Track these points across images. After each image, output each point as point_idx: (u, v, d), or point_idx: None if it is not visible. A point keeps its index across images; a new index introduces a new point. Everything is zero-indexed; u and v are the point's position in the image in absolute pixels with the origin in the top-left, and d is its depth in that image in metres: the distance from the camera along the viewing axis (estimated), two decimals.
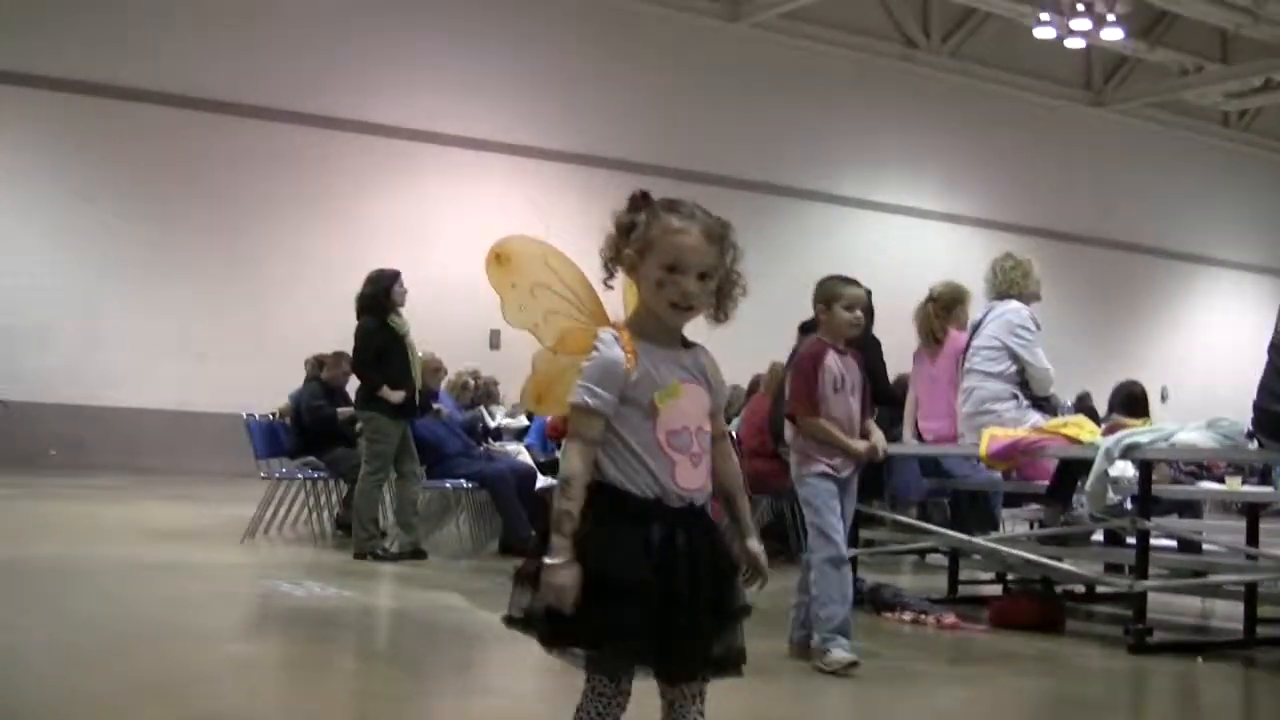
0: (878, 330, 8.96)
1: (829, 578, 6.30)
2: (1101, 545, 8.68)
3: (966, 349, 8.64)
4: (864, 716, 5.62)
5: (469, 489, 11.61)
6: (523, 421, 16.35)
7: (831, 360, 6.41)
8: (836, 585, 6.29)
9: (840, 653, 6.15)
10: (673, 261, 3.05)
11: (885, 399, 9.12)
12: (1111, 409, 10.60)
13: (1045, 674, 6.82)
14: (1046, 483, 8.31)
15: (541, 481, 12.58)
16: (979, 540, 8.26)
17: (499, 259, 3.40)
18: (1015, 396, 8.37)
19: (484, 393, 14.68)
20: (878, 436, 6.57)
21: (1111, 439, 7.45)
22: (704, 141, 21.75)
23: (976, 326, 8.65)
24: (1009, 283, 8.64)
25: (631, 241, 3.11)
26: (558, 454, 13.54)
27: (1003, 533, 9.32)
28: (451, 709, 5.59)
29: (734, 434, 11.84)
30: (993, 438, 7.92)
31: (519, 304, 3.37)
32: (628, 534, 3.00)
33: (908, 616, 8.03)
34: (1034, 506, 8.97)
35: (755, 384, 13.04)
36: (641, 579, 2.97)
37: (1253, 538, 7.91)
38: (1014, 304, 8.57)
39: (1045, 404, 8.52)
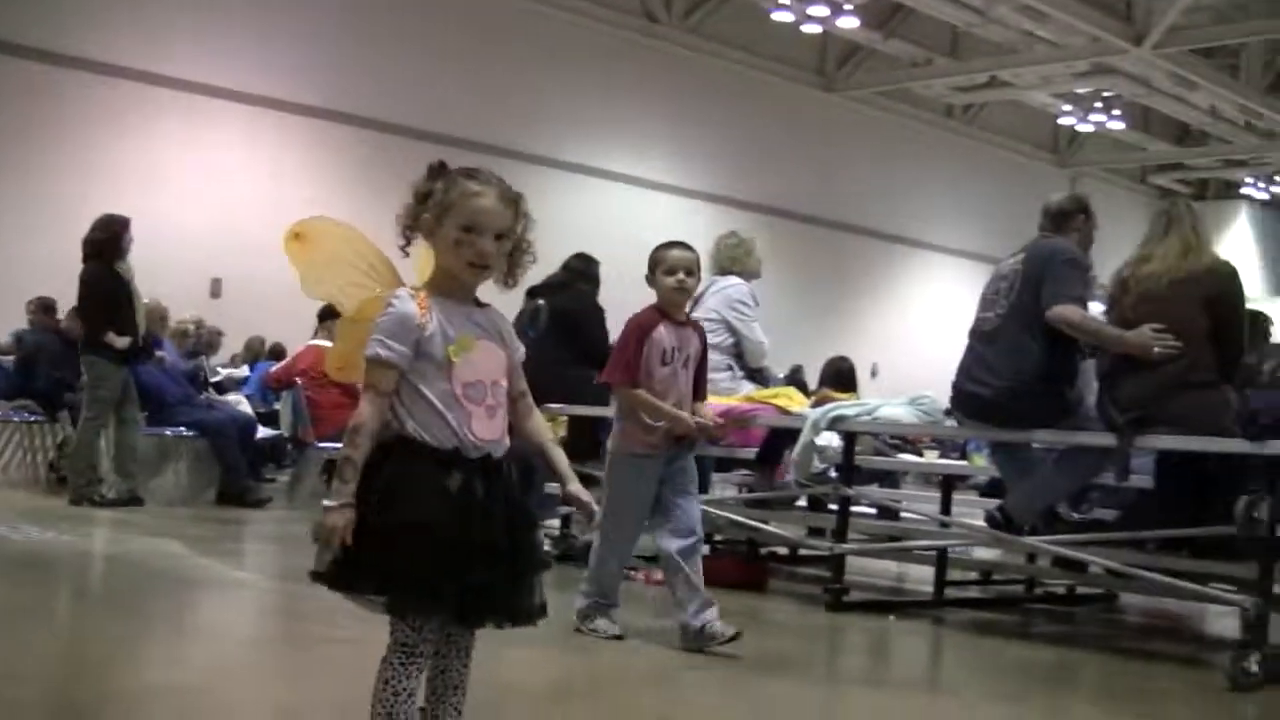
0: (605, 299, 9.26)
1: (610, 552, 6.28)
2: (805, 510, 9.09)
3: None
4: (569, 669, 5.84)
5: (189, 437, 11.56)
6: (244, 371, 16.29)
7: (663, 332, 6.08)
8: (615, 564, 6.30)
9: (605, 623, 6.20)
10: (469, 222, 3.15)
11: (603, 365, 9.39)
12: (821, 383, 11.07)
13: (749, 628, 7.12)
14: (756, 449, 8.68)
15: (262, 432, 12.60)
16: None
17: (298, 237, 3.41)
18: (731, 367, 8.69)
19: (206, 342, 14.57)
20: (707, 413, 6.31)
21: (819, 411, 7.82)
22: (434, 100, 21.64)
23: (697, 300, 8.95)
24: (731, 259, 8.98)
25: (430, 207, 3.19)
26: (277, 405, 13.55)
27: (712, 495, 9.68)
28: (168, 651, 5.63)
29: None
30: (708, 404, 8.25)
31: (317, 278, 3.40)
32: (424, 481, 3.08)
33: None
34: (743, 472, 9.32)
35: None
36: (435, 521, 3.05)
37: (946, 507, 8.40)
38: (735, 280, 8.89)
39: (758, 375, 8.88)
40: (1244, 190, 35.13)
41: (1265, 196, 35.06)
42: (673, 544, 6.08)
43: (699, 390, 6.27)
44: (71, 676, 4.98)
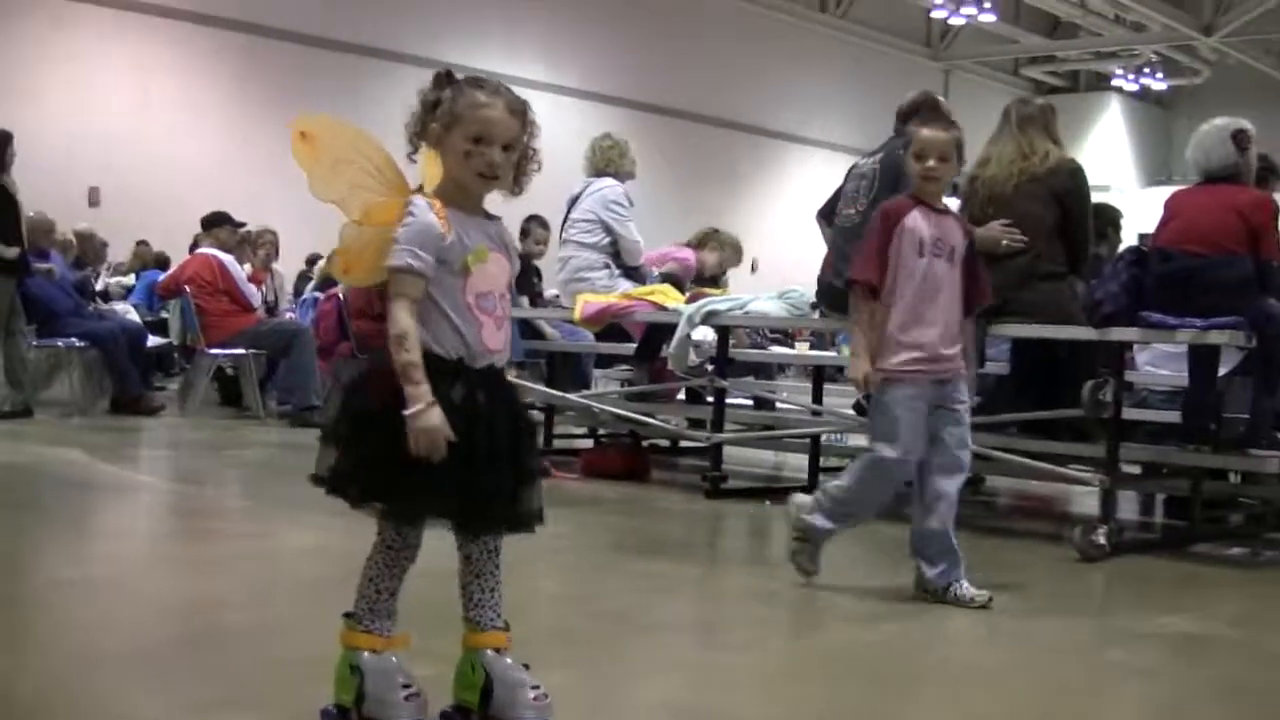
0: None
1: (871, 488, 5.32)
2: (684, 403, 9.45)
3: (564, 221, 9.25)
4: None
5: (80, 348, 11.67)
6: (130, 280, 16.32)
7: (918, 219, 5.20)
8: (874, 500, 5.36)
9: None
10: (479, 133, 3.15)
11: None
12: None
13: (631, 514, 7.49)
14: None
15: (151, 340, 12.72)
16: (573, 397, 8.89)
17: (304, 137, 3.31)
18: (608, 266, 8.99)
19: (94, 253, 14.61)
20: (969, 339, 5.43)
21: (693, 306, 8.12)
22: (317, 2, 21.50)
23: (574, 200, 9.23)
24: (606, 161, 9.25)
25: (438, 116, 3.19)
26: (164, 313, 13.68)
27: (595, 390, 10.04)
28: (78, 548, 5.86)
29: (341, 295, 12.21)
30: (586, 302, 8.56)
31: (324, 179, 3.29)
32: (430, 390, 3.07)
33: None
34: (623, 367, 9.63)
35: None
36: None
37: (818, 396, 8.79)
38: (610, 181, 9.17)
39: (635, 273, 9.18)
40: (1115, 82, 35.67)
41: (1135, 88, 35.63)
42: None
43: (972, 296, 5.36)
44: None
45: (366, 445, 3.11)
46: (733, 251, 10.50)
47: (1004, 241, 6.73)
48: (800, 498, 5.51)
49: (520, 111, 3.25)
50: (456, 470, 3.05)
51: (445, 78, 3.25)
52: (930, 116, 5.38)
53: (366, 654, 3.20)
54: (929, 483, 5.21)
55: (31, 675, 3.70)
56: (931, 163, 5.16)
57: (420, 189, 3.27)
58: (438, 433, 3.01)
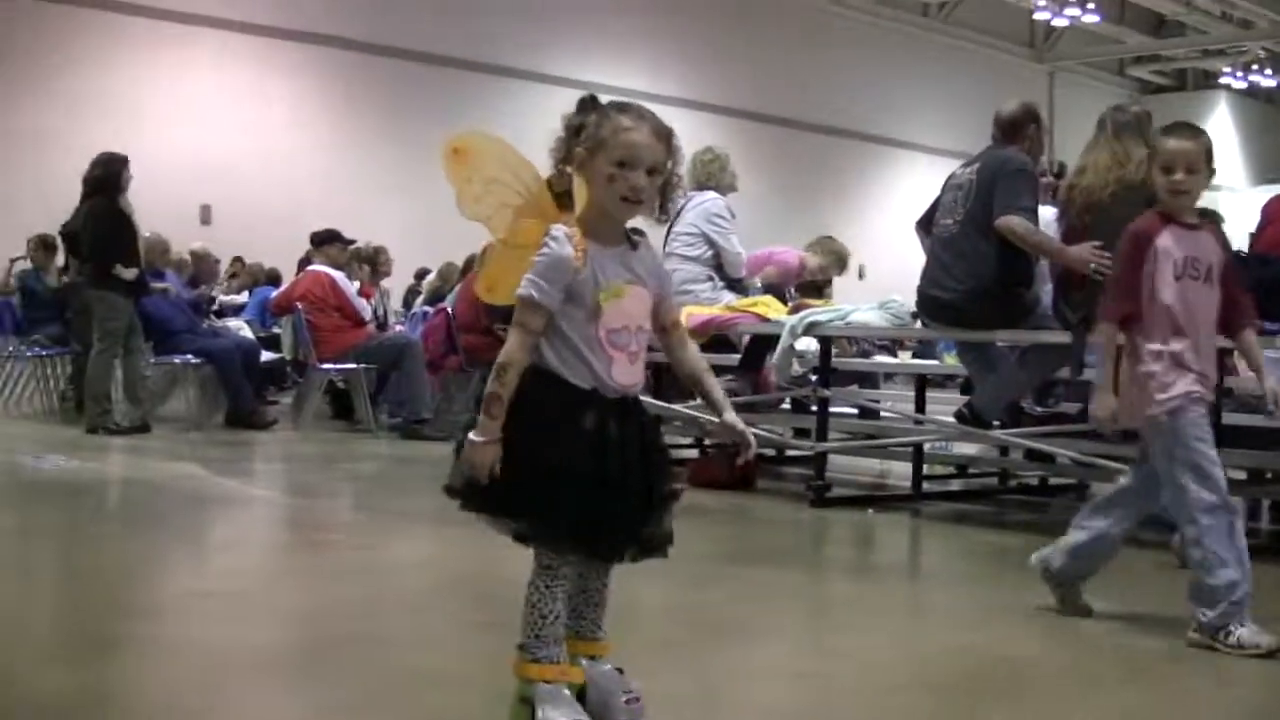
0: None
1: (1215, 533, 4.61)
2: (789, 412, 9.52)
3: (667, 236, 9.36)
4: None
5: (196, 364, 11.95)
6: (243, 298, 16.64)
7: (1169, 239, 4.75)
8: (1226, 542, 4.59)
9: (1247, 633, 4.54)
10: (624, 157, 3.13)
11: None
12: (798, 290, 11.51)
13: (737, 524, 7.59)
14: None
15: (264, 356, 13.00)
16: (679, 408, 8.99)
17: (456, 153, 3.29)
18: (711, 278, 9.11)
19: (208, 271, 14.93)
20: (1255, 354, 4.92)
21: (796, 317, 8.20)
22: (426, 19, 21.76)
23: (677, 214, 9.34)
24: (707, 174, 9.35)
25: (582, 141, 3.16)
26: (276, 329, 13.96)
27: (698, 403, 10.11)
28: (203, 562, 6.12)
29: (449, 309, 12.42)
30: (691, 315, 8.67)
31: (474, 197, 3.27)
32: (563, 418, 3.12)
33: None
34: (729, 378, 9.71)
35: (469, 262, 13.55)
36: (572, 460, 3.09)
37: (920, 405, 8.85)
38: (711, 194, 9.28)
39: (738, 285, 9.29)
40: (1223, 80, 35.28)
41: (1243, 85, 35.21)
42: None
43: (1237, 312, 4.90)
44: (120, 582, 5.45)
45: (500, 463, 3.11)
46: (836, 260, 10.56)
47: (1092, 265, 6.72)
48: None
49: (666, 135, 3.21)
50: (585, 495, 3.09)
51: (590, 102, 3.24)
52: (1175, 127, 4.96)
53: (540, 685, 3.19)
54: None
55: (163, 682, 3.87)
56: (1179, 175, 4.74)
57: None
58: (484, 467, 3.08)
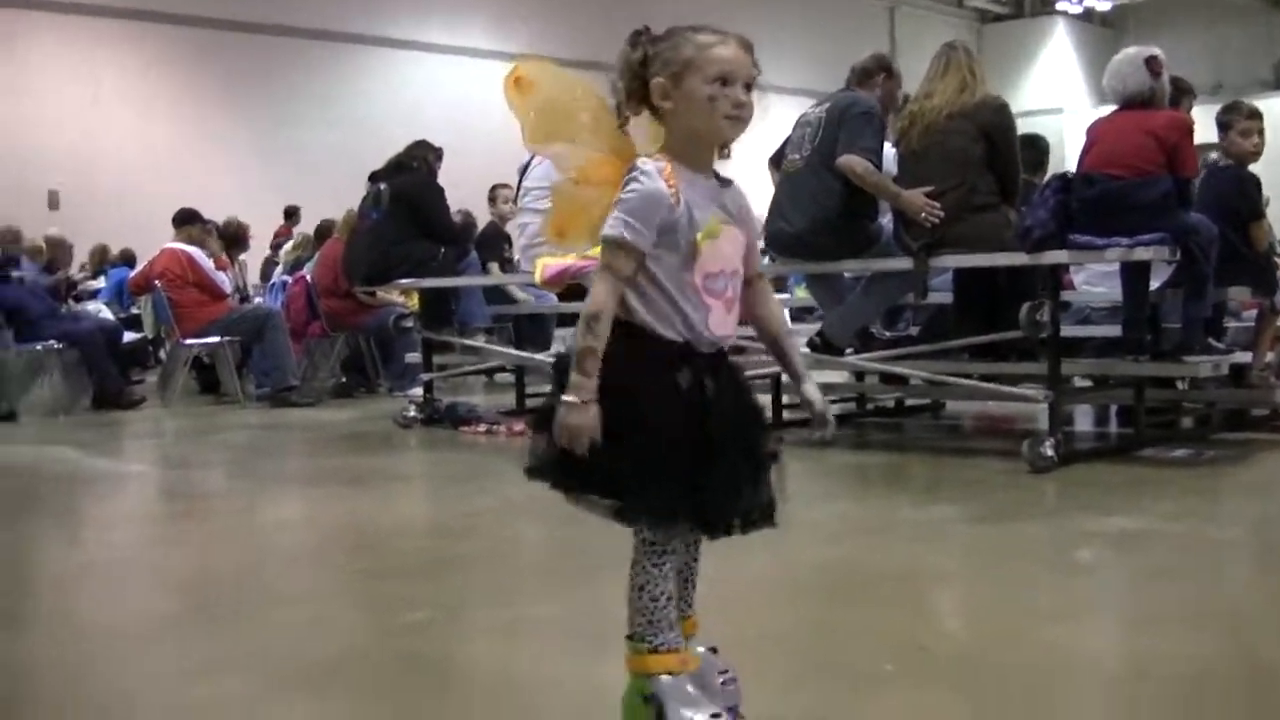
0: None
1: None
2: None
3: (518, 190, 9.53)
4: (442, 501, 6.48)
5: (58, 349, 11.90)
6: (100, 283, 16.52)
7: None
8: None
9: None
10: (722, 73, 2.78)
11: (448, 239, 10.04)
12: None
13: None
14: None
15: (127, 336, 12.97)
16: (540, 356, 9.18)
17: (518, 83, 2.99)
18: None
19: (63, 257, 14.82)
20: None
21: None
22: None
23: (525, 168, 9.48)
24: None
25: (658, 69, 2.81)
26: (135, 310, 13.93)
27: (557, 349, 10.36)
28: (96, 534, 6.25)
29: (309, 277, 12.50)
30: (545, 265, 8.83)
31: (544, 129, 2.97)
32: (656, 377, 2.75)
33: (482, 429, 8.89)
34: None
35: (328, 227, 13.60)
36: (670, 424, 2.72)
37: None
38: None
39: None
40: (1059, 5, 35.94)
41: (1079, 10, 35.92)
42: None
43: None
44: (16, 563, 5.53)
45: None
46: None
47: (921, 215, 7.03)
48: None
49: (751, 48, 2.88)
50: (685, 461, 2.72)
51: (644, 32, 2.88)
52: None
53: (663, 677, 2.80)
54: None
55: (42, 650, 4.00)
56: None
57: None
58: (583, 432, 2.66)
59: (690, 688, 2.80)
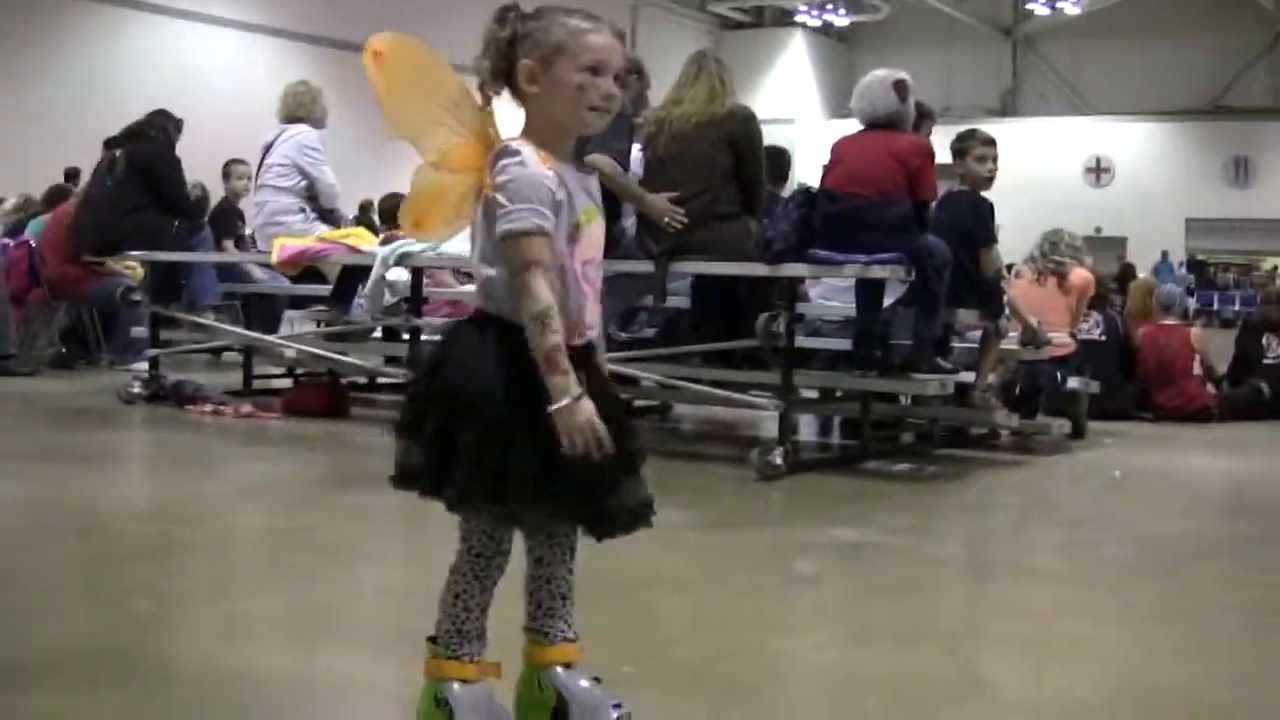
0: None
1: None
2: (381, 341, 9.64)
3: (259, 167, 9.35)
4: (168, 483, 6.32)
5: None
6: None
7: None
8: None
9: None
10: (593, 62, 2.69)
11: (183, 211, 9.84)
12: (381, 220, 11.76)
13: (332, 451, 7.69)
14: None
15: None
16: (271, 338, 9.02)
17: (376, 56, 2.80)
18: (303, 210, 9.14)
19: None
20: None
21: (387, 248, 8.33)
22: None
23: (269, 146, 9.34)
24: (299, 106, 9.37)
25: (527, 51, 2.71)
26: None
27: (291, 330, 10.19)
28: None
29: (32, 241, 12.05)
30: (282, 246, 8.71)
31: (402, 109, 2.79)
32: (525, 375, 2.61)
33: (208, 408, 8.60)
34: (319, 308, 9.77)
35: (60, 191, 13.16)
36: (544, 420, 2.58)
37: None
38: (304, 127, 9.29)
39: (331, 216, 9.36)
40: (798, 18, 36.73)
41: (818, 24, 36.78)
42: None
43: None
44: None
45: (470, 436, 2.63)
46: None
47: (665, 220, 7.08)
48: None
49: (623, 36, 2.85)
50: (567, 463, 2.59)
51: (512, 9, 2.76)
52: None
53: (456, 685, 2.76)
54: None
55: None
56: None
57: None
58: (594, 428, 2.57)
59: (484, 700, 2.78)
